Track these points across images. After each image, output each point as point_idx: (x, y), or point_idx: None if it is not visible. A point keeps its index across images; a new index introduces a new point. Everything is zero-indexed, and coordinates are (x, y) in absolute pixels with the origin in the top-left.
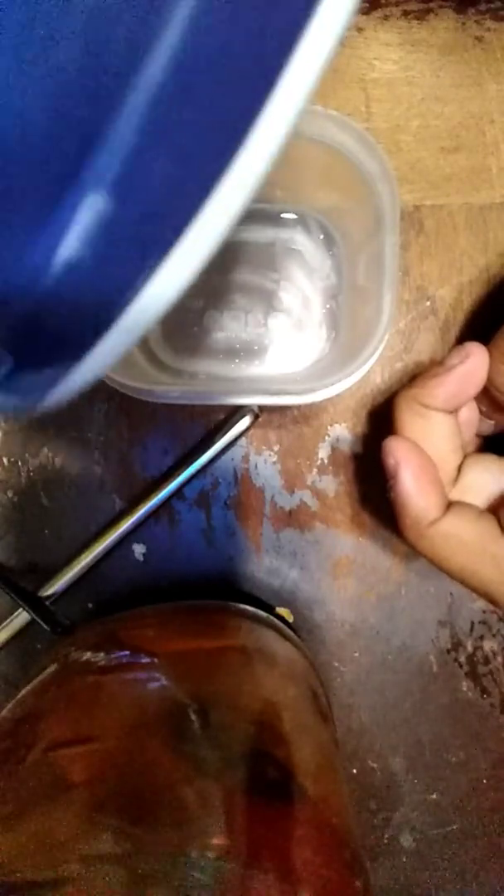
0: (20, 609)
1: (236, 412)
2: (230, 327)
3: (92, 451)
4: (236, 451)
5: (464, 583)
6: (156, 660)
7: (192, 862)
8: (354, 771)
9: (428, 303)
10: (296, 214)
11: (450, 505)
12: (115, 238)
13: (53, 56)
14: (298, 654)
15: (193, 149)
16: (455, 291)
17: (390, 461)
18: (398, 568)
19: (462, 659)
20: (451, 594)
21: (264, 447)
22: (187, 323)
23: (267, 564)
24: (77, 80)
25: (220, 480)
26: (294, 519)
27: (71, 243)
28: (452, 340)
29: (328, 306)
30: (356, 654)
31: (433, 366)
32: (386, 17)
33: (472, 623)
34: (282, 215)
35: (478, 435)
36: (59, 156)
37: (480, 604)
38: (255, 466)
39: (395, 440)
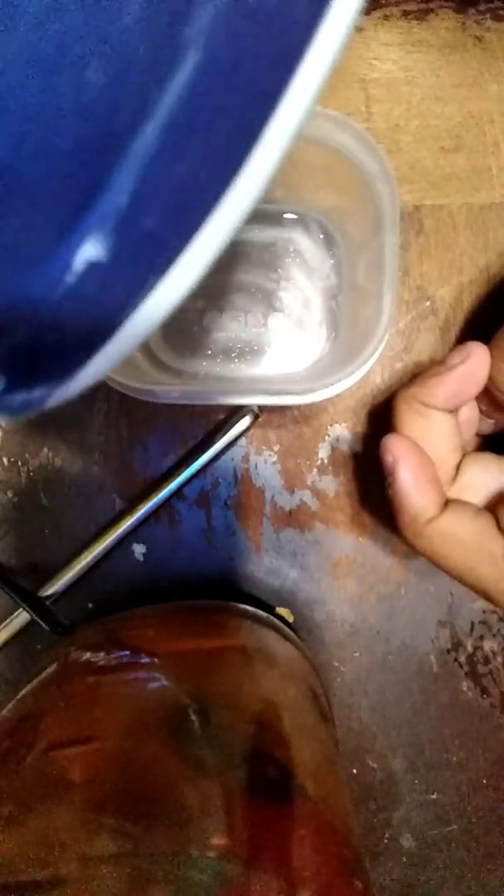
0: (20, 609)
1: (236, 412)
2: (230, 327)
3: (92, 451)
4: (236, 451)
5: (461, 581)
6: (156, 660)
7: (192, 862)
8: (354, 771)
9: (428, 303)
10: (296, 214)
11: (448, 503)
12: (130, 244)
13: (84, 72)
14: (298, 654)
15: (207, 158)
16: (455, 291)
17: (388, 459)
18: (398, 568)
19: (462, 659)
20: (451, 594)
21: (264, 447)
22: (187, 323)
23: (267, 564)
24: (104, 95)
25: (220, 480)
26: (294, 519)
27: (89, 249)
28: (452, 340)
29: (328, 306)
30: (356, 654)
31: (433, 365)
32: (386, 17)
33: (472, 623)
34: (282, 215)
35: (477, 434)
36: (81, 171)
37: (480, 604)
38: (255, 466)
39: (394, 438)
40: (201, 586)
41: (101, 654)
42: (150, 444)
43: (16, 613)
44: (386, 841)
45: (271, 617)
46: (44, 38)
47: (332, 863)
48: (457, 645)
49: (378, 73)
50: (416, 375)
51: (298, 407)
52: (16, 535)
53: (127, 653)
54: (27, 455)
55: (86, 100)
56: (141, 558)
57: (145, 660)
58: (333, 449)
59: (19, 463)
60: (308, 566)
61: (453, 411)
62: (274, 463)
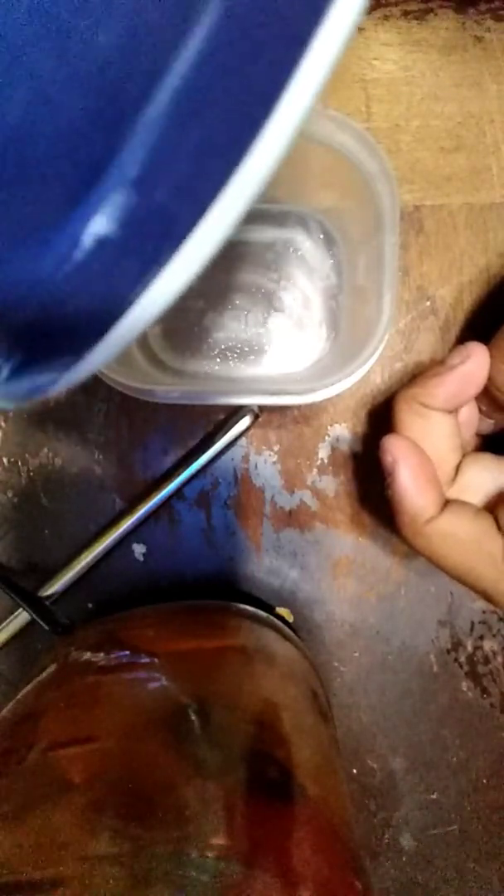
0: (20, 609)
1: (236, 412)
2: (230, 327)
3: (92, 451)
4: (236, 451)
5: (460, 580)
6: (156, 660)
7: (192, 862)
8: (354, 771)
9: (428, 303)
10: (296, 214)
11: (447, 503)
12: (141, 219)
13: (95, 42)
14: (298, 654)
15: (221, 126)
16: (455, 291)
17: (388, 459)
18: (398, 568)
19: (462, 659)
20: (451, 594)
21: (264, 447)
22: (187, 323)
23: (267, 564)
24: (117, 60)
25: (220, 480)
26: (294, 519)
27: (99, 225)
28: (452, 340)
29: (328, 306)
30: (356, 654)
31: (433, 365)
32: (386, 17)
33: (472, 623)
34: (282, 215)
35: (477, 434)
36: (92, 141)
37: (480, 604)
38: (255, 466)
39: (393, 438)
40: (201, 586)
41: (101, 654)
42: (150, 444)
43: (16, 613)
44: (386, 841)
45: (271, 617)
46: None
47: (332, 863)
48: (457, 645)
49: (378, 73)
50: (416, 375)
51: (298, 407)
52: (16, 535)
53: (127, 653)
54: (27, 455)
55: (98, 65)
56: (141, 558)
57: (145, 660)
58: (333, 449)
59: (19, 463)
60: (308, 566)
61: (453, 411)
62: (274, 463)
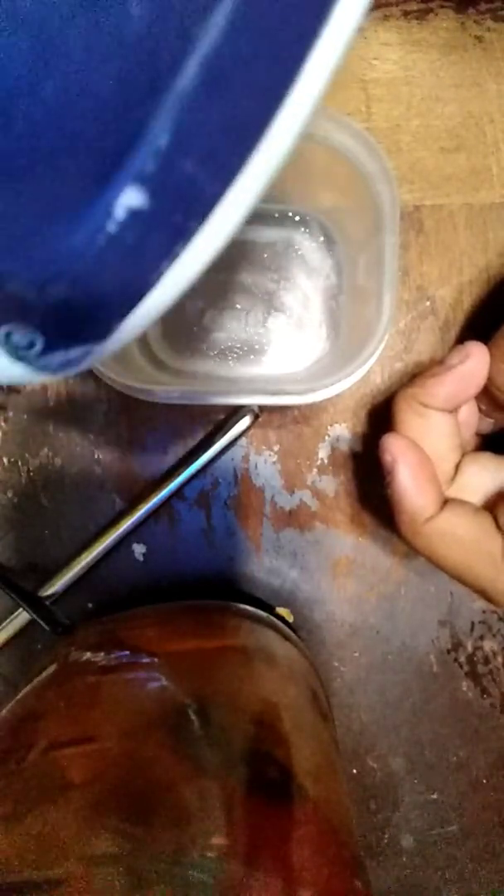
0: (20, 609)
1: (236, 412)
2: (230, 327)
3: (92, 451)
4: (236, 451)
5: (460, 579)
6: (156, 660)
7: (192, 862)
8: (354, 771)
9: (428, 303)
10: (296, 214)
11: (446, 502)
12: (170, 189)
13: (128, 15)
14: (298, 654)
15: (247, 95)
16: (455, 291)
17: (387, 458)
18: (398, 568)
19: (462, 659)
20: (451, 594)
21: (264, 447)
22: (187, 323)
23: (267, 564)
24: (148, 31)
25: (220, 480)
26: (294, 519)
27: (130, 197)
28: (452, 340)
29: (328, 306)
30: (356, 654)
31: (433, 365)
32: (386, 17)
33: (473, 623)
34: (282, 215)
35: (477, 433)
36: (123, 114)
37: (480, 604)
38: (255, 466)
39: (393, 437)
40: (201, 586)
41: (101, 654)
42: (150, 444)
43: (16, 613)
44: (386, 841)
45: (271, 617)
46: None
47: (332, 863)
48: (457, 645)
49: (378, 73)
50: (415, 375)
51: (298, 407)
52: (16, 535)
53: (127, 653)
54: (27, 455)
55: (130, 37)
56: (141, 558)
57: (145, 660)
58: (333, 449)
59: (19, 463)
60: (308, 566)
61: (453, 411)
62: (274, 463)
